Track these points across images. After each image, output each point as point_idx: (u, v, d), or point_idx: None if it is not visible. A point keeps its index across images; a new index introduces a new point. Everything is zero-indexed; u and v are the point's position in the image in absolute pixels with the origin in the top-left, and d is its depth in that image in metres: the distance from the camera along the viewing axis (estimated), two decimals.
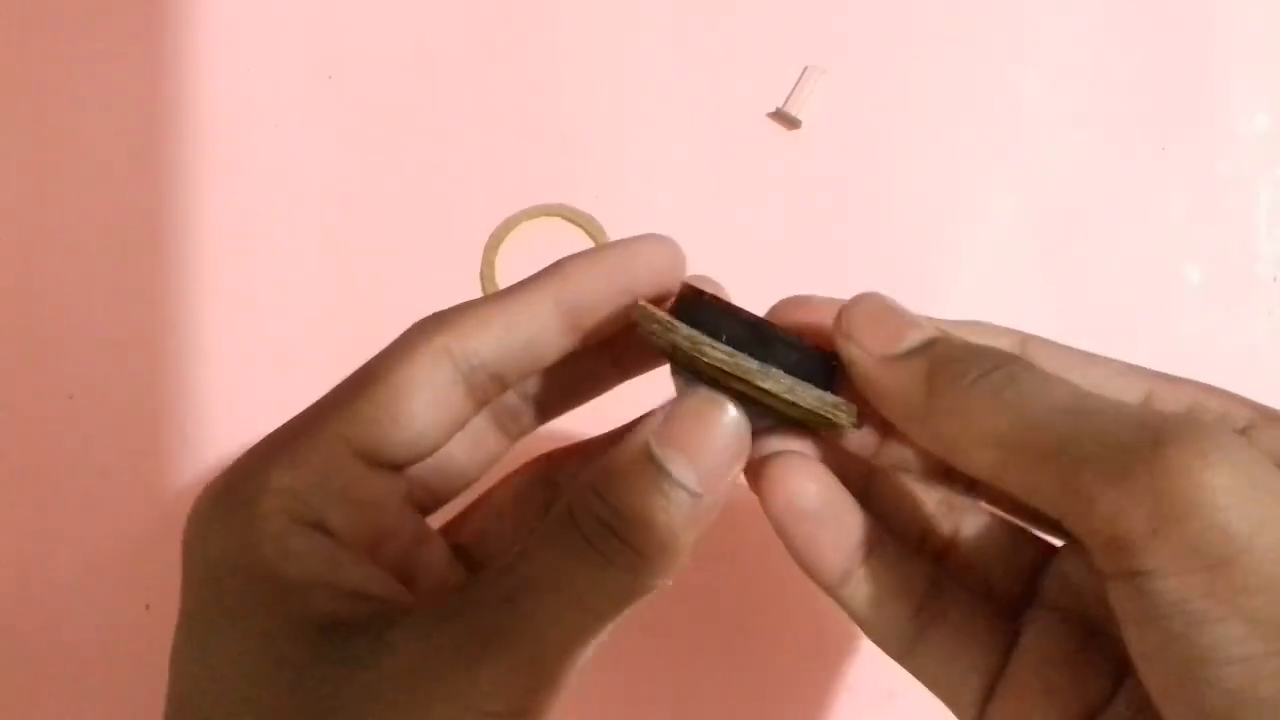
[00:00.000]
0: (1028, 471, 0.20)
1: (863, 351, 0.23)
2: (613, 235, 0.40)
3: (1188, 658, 0.18)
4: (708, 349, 0.22)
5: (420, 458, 0.24)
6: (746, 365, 0.22)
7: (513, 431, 0.26)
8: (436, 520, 0.26)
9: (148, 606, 0.37)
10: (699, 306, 0.23)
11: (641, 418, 0.22)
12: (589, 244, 0.40)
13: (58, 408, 0.39)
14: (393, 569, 0.24)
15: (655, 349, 0.23)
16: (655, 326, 0.22)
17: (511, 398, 0.26)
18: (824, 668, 0.37)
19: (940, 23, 0.42)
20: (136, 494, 0.38)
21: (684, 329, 0.22)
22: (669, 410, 0.22)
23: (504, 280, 0.40)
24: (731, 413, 0.22)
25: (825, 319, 0.24)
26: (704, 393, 0.22)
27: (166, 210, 0.40)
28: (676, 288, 0.24)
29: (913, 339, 0.22)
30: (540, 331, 0.23)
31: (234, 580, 0.21)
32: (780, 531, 0.24)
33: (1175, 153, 0.41)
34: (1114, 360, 0.24)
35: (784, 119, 0.41)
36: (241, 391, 0.39)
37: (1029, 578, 0.25)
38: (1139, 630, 0.19)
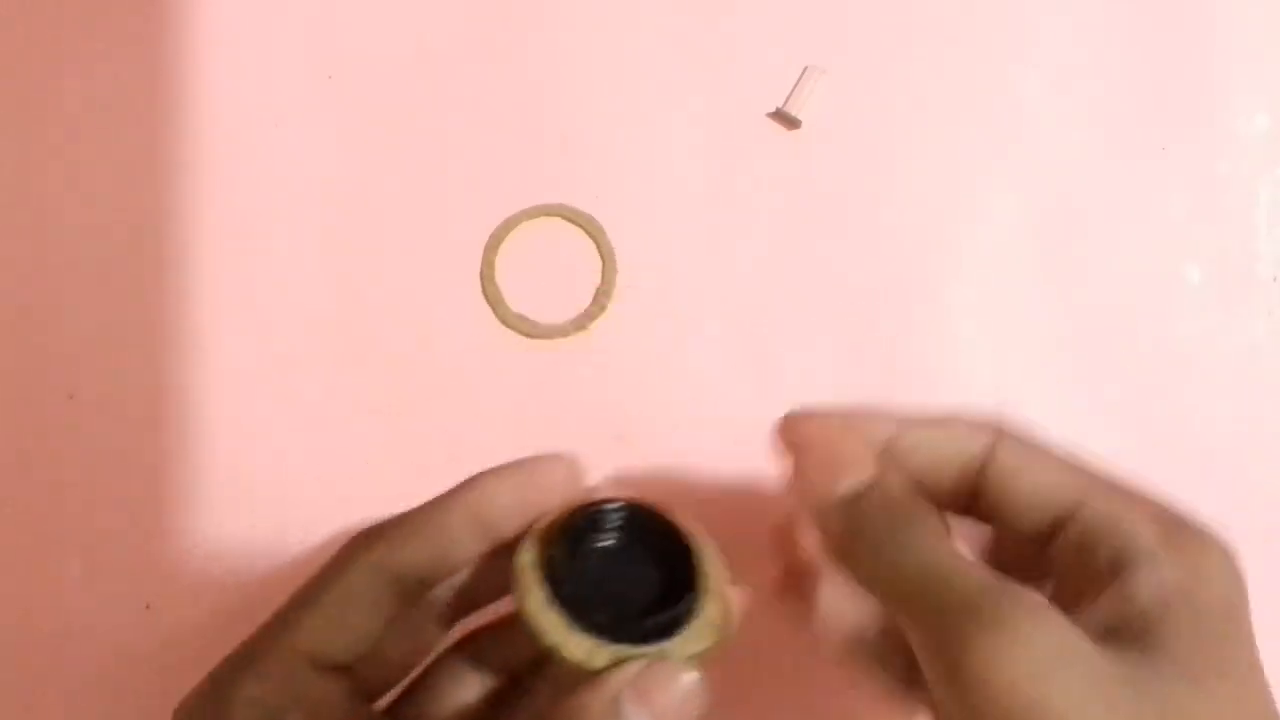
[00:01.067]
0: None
1: (807, 491, 0.28)
2: (613, 235, 0.40)
3: None
4: (545, 627, 0.26)
5: (361, 657, 0.28)
6: (556, 637, 0.26)
7: (447, 620, 0.30)
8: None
9: (148, 606, 0.37)
10: (565, 541, 0.27)
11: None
12: (589, 244, 0.40)
13: (58, 407, 0.39)
14: None
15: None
16: (517, 591, 0.26)
17: (446, 593, 0.29)
18: (824, 668, 0.37)
19: (940, 23, 0.42)
20: (136, 494, 0.38)
21: (530, 601, 0.26)
22: (639, 667, 0.25)
23: (504, 280, 0.40)
24: (694, 676, 0.25)
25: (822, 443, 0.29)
26: (673, 659, 0.25)
27: (166, 210, 0.40)
28: (575, 498, 0.28)
29: (848, 483, 0.27)
30: (457, 543, 0.27)
31: None
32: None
33: (1175, 153, 0.41)
34: (1070, 459, 0.28)
35: (784, 119, 0.41)
36: (242, 391, 0.39)
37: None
38: None
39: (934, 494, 0.28)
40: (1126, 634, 0.24)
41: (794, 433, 0.29)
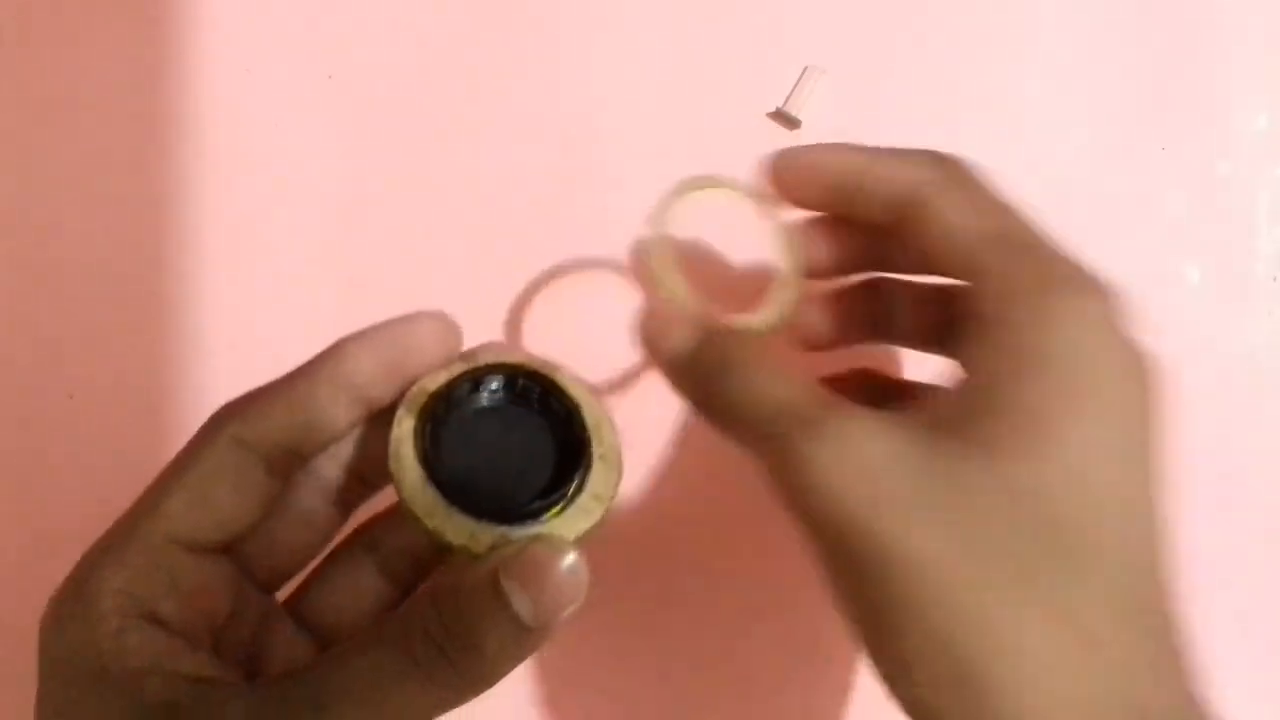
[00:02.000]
0: None
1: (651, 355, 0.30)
2: (607, 234, 0.40)
3: None
4: (423, 511, 0.25)
5: (238, 537, 0.26)
6: (435, 521, 0.25)
7: (344, 503, 0.29)
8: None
9: None
10: (441, 411, 0.26)
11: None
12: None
13: (57, 407, 0.39)
14: (243, 648, 0.27)
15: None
16: (393, 470, 0.25)
17: (335, 472, 0.28)
18: (824, 667, 0.37)
19: (940, 22, 0.42)
20: (137, 493, 0.38)
21: (406, 484, 0.25)
22: (519, 549, 0.24)
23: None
24: (572, 559, 0.24)
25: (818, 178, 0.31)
26: (553, 539, 0.24)
27: (166, 209, 0.40)
28: (451, 361, 0.27)
29: (676, 342, 0.29)
30: (321, 410, 0.26)
31: (79, 676, 0.24)
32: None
33: (1175, 152, 0.41)
34: (996, 207, 0.29)
35: (784, 119, 0.41)
36: (242, 390, 0.39)
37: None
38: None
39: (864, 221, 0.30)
40: (968, 414, 0.25)
41: (784, 170, 0.31)
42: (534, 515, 0.25)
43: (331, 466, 0.28)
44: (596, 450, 0.26)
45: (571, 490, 0.25)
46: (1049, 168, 0.41)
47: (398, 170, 0.40)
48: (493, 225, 0.40)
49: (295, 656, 0.28)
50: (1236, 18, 0.42)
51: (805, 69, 0.41)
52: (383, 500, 0.30)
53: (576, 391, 0.27)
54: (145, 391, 0.39)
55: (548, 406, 0.27)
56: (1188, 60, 0.42)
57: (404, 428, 0.25)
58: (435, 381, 0.26)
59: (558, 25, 0.41)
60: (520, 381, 0.27)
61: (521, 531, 0.25)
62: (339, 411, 0.26)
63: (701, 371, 0.28)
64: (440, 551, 0.27)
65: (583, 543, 0.25)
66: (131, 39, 0.41)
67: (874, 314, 0.34)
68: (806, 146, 0.31)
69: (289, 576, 0.29)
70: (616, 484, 0.26)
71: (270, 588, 0.28)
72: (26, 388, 0.39)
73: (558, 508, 0.25)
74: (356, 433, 0.28)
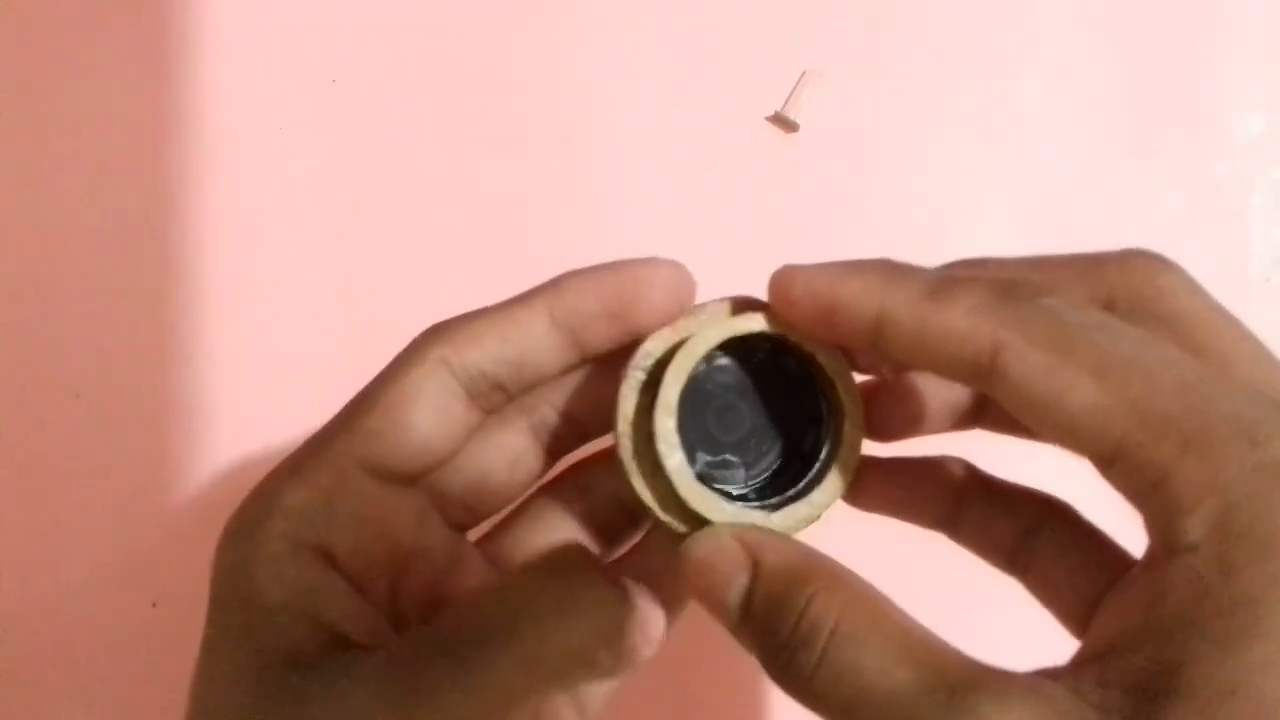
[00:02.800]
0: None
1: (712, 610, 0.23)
2: (613, 235, 0.40)
3: None
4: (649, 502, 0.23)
5: (429, 468, 0.24)
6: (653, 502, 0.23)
7: (554, 449, 0.26)
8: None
9: (154, 604, 0.38)
10: (675, 384, 0.23)
11: None
12: None
13: (65, 407, 0.39)
14: (426, 588, 0.25)
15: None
16: (619, 451, 0.23)
17: (549, 414, 0.26)
18: None
19: (938, 26, 0.42)
20: (142, 492, 0.38)
21: (634, 478, 0.23)
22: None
23: None
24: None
25: (809, 313, 0.23)
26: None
27: (172, 213, 0.40)
28: (679, 311, 0.24)
29: (734, 601, 0.22)
30: (536, 344, 0.24)
31: (231, 602, 0.22)
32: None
33: (1170, 154, 0.41)
34: (1099, 376, 0.20)
35: (782, 122, 0.41)
36: (247, 392, 0.39)
37: None
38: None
39: (935, 398, 0.24)
40: (1144, 686, 0.18)
41: (785, 289, 0.24)
42: (748, 499, 0.24)
43: (543, 408, 0.26)
44: (839, 450, 0.24)
45: (801, 487, 0.24)
46: (1047, 168, 0.41)
47: (400, 174, 0.41)
48: (494, 227, 0.40)
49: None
50: (1234, 20, 0.42)
51: (804, 72, 0.41)
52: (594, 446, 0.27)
53: (832, 366, 0.23)
54: (151, 391, 0.39)
55: (793, 382, 0.24)
56: (1184, 63, 0.42)
57: (631, 391, 0.24)
58: (663, 342, 0.24)
59: (558, 30, 0.42)
60: (764, 351, 0.24)
61: (736, 517, 0.23)
62: (553, 350, 0.24)
63: (775, 641, 0.21)
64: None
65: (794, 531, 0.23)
66: (135, 43, 0.41)
67: (937, 502, 0.27)
68: (812, 270, 0.23)
69: (484, 517, 0.26)
70: (841, 492, 0.24)
71: (462, 526, 0.26)
72: (34, 387, 0.39)
73: (778, 498, 0.24)
74: (573, 377, 0.25)
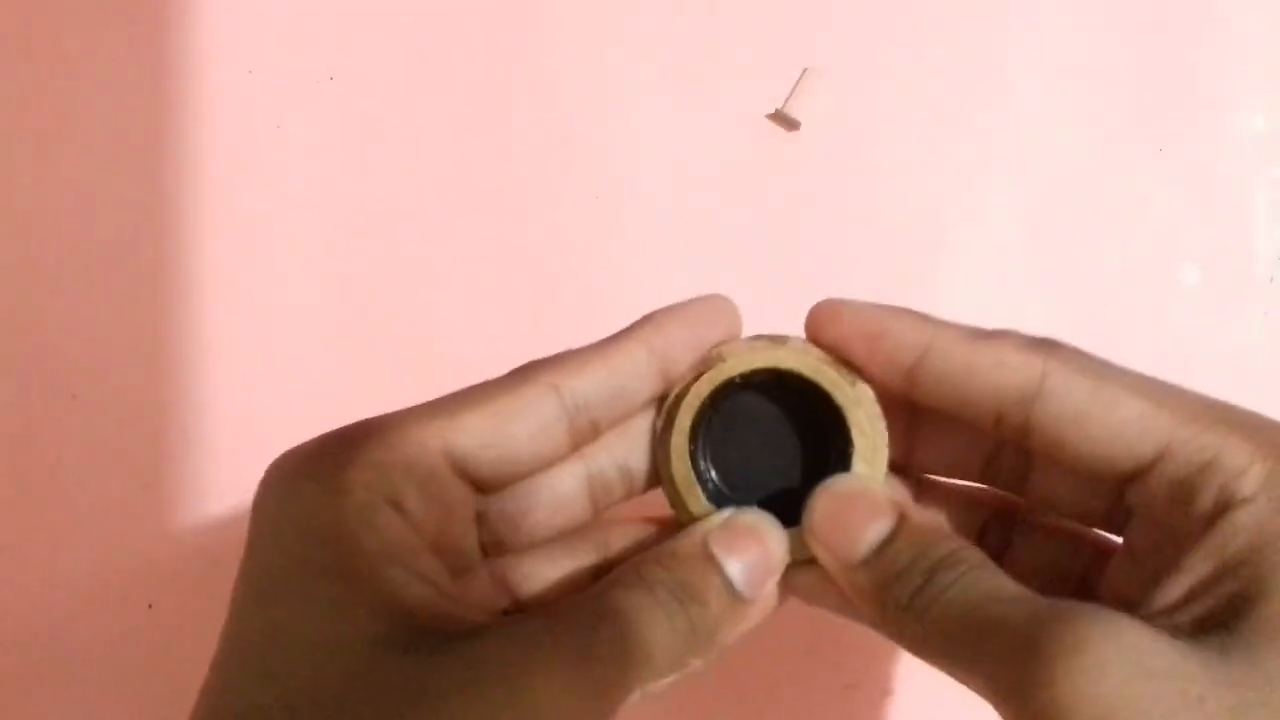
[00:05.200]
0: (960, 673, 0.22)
1: (828, 559, 0.25)
2: (612, 235, 0.40)
3: None
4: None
5: (504, 483, 0.25)
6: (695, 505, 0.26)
7: (601, 503, 0.27)
8: None
9: (150, 606, 0.38)
10: (718, 412, 0.26)
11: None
12: None
13: (61, 407, 0.39)
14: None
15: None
16: (667, 465, 0.26)
17: (609, 468, 0.27)
18: (824, 667, 0.38)
19: (939, 23, 0.42)
20: (139, 494, 0.38)
21: (689, 498, 0.26)
22: (727, 519, 0.25)
23: None
24: (779, 531, 0.25)
25: (854, 336, 0.25)
26: (756, 512, 0.25)
27: (169, 210, 0.40)
28: (731, 343, 0.26)
29: (869, 541, 0.24)
30: (636, 376, 0.25)
31: (315, 546, 0.22)
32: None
33: (1172, 153, 0.41)
34: (1140, 394, 0.23)
35: (783, 120, 0.41)
36: (244, 392, 0.39)
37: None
38: None
39: (974, 431, 0.25)
40: (1221, 614, 0.21)
41: (828, 321, 0.26)
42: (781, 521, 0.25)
43: (601, 456, 0.27)
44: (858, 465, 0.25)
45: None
46: (1048, 168, 0.41)
47: (398, 172, 0.41)
48: (493, 226, 0.40)
49: (487, 609, 0.26)
50: (1234, 18, 0.42)
51: (805, 70, 0.41)
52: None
53: (844, 403, 0.25)
54: (148, 392, 0.39)
55: (813, 413, 0.26)
56: (1186, 61, 0.42)
57: (682, 426, 0.26)
58: (708, 380, 0.26)
59: (557, 27, 0.42)
60: (796, 384, 0.26)
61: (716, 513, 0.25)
62: (648, 379, 0.25)
63: (899, 578, 0.23)
64: None
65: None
66: (133, 40, 0.41)
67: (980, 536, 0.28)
68: (859, 302, 0.26)
69: (506, 548, 0.27)
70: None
71: (485, 550, 0.27)
72: (30, 388, 0.39)
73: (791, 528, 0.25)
74: (636, 427, 0.27)
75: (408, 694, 0.20)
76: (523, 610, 0.26)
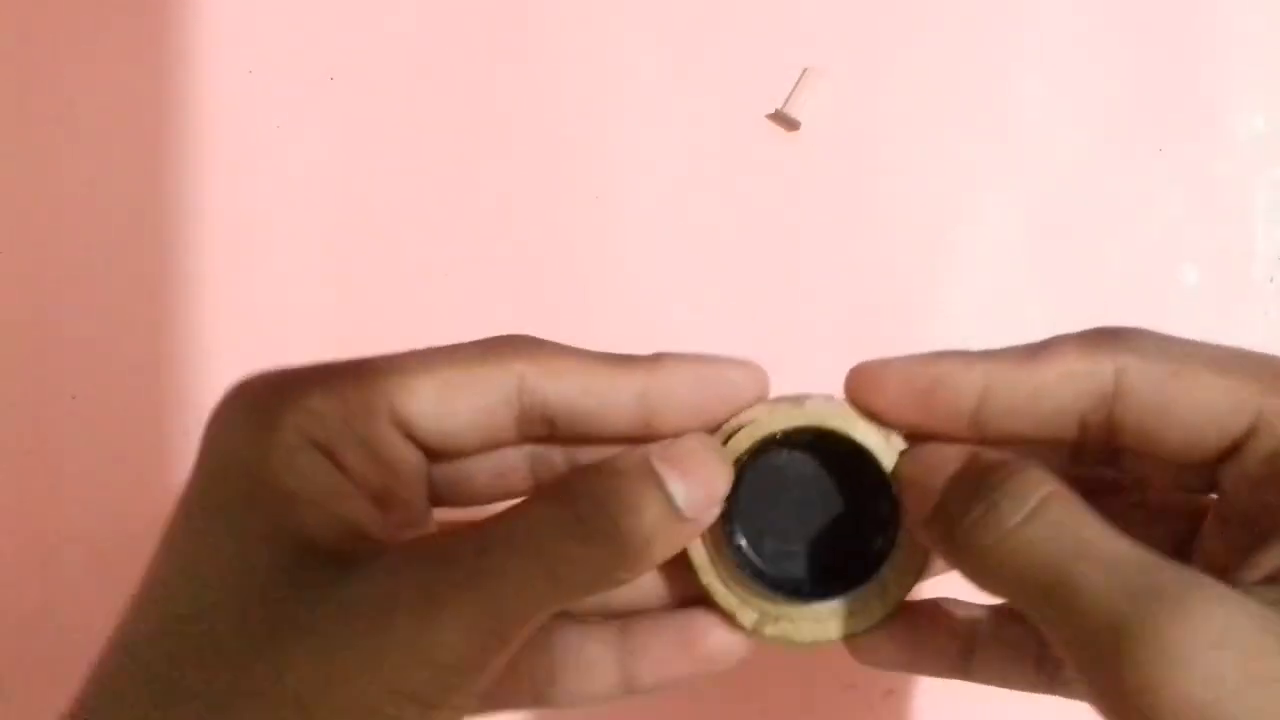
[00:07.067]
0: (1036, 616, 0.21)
1: (915, 496, 0.23)
2: (612, 235, 0.40)
3: None
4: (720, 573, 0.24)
5: (441, 454, 0.24)
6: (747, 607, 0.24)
7: (545, 479, 0.26)
8: None
9: None
10: (748, 481, 0.24)
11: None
12: None
13: (61, 407, 0.39)
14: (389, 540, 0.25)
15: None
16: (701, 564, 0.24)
17: (558, 457, 0.25)
18: (824, 667, 0.38)
19: (939, 24, 0.42)
20: (139, 493, 0.38)
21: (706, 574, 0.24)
22: (672, 440, 0.23)
23: None
24: (725, 468, 0.23)
25: (904, 397, 0.24)
26: (702, 436, 0.24)
27: (169, 210, 0.40)
28: (752, 407, 0.24)
29: (950, 469, 0.22)
30: (616, 410, 0.24)
31: (236, 477, 0.22)
32: None
33: (1172, 153, 0.41)
34: (1220, 369, 0.22)
35: (783, 120, 0.41)
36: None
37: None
38: None
39: (1055, 457, 0.23)
40: None
41: (872, 389, 0.24)
42: (811, 597, 0.24)
43: (561, 455, 0.25)
44: (899, 540, 0.24)
45: (859, 591, 0.24)
46: (1047, 168, 0.41)
47: (398, 172, 0.41)
48: (493, 226, 0.40)
49: None
50: (1234, 18, 0.42)
51: (805, 70, 0.41)
52: None
53: (882, 462, 0.24)
54: (148, 393, 0.39)
55: (850, 478, 0.24)
56: (1185, 61, 0.42)
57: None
58: (736, 444, 0.24)
59: (557, 28, 0.42)
60: (816, 445, 0.24)
61: (798, 609, 0.24)
62: (625, 420, 0.24)
63: (977, 501, 0.21)
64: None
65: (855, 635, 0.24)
66: (133, 40, 0.41)
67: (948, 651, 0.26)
68: (897, 359, 0.24)
69: (449, 505, 0.26)
70: (913, 584, 0.24)
71: (434, 499, 0.26)
72: (30, 389, 0.39)
73: (839, 598, 0.24)
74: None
75: (278, 626, 0.20)
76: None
